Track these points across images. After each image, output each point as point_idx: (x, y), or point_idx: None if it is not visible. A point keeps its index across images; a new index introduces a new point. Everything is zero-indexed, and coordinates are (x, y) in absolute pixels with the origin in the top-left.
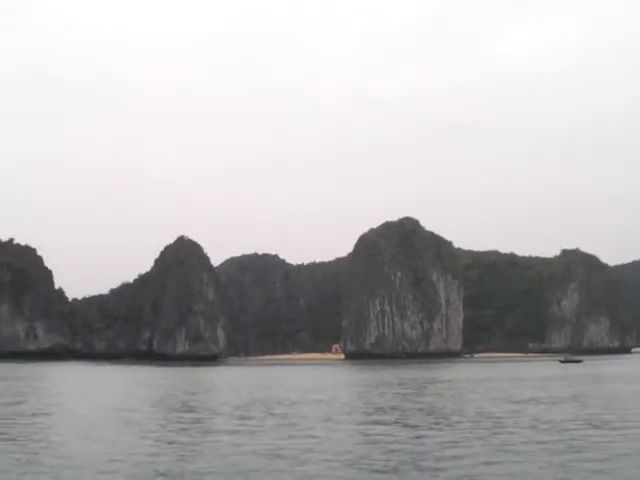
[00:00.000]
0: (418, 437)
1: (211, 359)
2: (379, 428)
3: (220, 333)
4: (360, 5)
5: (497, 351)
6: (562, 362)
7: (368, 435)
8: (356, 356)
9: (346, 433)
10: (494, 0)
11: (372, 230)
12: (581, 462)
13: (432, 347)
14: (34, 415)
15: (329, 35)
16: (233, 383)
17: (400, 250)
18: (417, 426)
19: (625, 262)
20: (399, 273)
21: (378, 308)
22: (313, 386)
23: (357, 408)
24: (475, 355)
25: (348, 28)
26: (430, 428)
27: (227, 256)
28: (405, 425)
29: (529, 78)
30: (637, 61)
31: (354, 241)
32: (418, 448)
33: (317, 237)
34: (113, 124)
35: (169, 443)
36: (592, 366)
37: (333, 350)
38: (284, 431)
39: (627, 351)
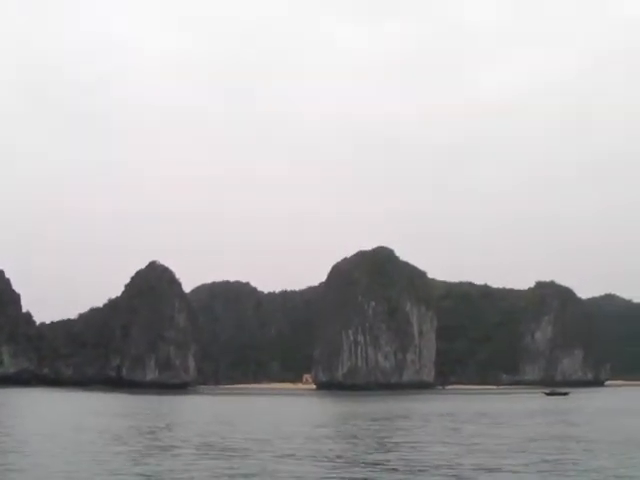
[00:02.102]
0: None
1: (181, 387)
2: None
3: (191, 361)
4: (348, 33)
5: (470, 383)
6: (547, 394)
7: None
8: (328, 386)
9: None
10: (479, 29)
11: (346, 259)
12: None
13: (405, 378)
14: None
15: (314, 64)
16: (214, 414)
17: (374, 279)
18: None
19: (597, 295)
20: (373, 303)
21: (351, 338)
22: (306, 419)
23: (382, 445)
24: (447, 387)
25: (335, 56)
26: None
27: (198, 283)
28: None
29: (513, 106)
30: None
31: (326, 270)
32: None
33: (288, 265)
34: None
35: None
36: (581, 399)
37: (304, 380)
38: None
39: (601, 384)
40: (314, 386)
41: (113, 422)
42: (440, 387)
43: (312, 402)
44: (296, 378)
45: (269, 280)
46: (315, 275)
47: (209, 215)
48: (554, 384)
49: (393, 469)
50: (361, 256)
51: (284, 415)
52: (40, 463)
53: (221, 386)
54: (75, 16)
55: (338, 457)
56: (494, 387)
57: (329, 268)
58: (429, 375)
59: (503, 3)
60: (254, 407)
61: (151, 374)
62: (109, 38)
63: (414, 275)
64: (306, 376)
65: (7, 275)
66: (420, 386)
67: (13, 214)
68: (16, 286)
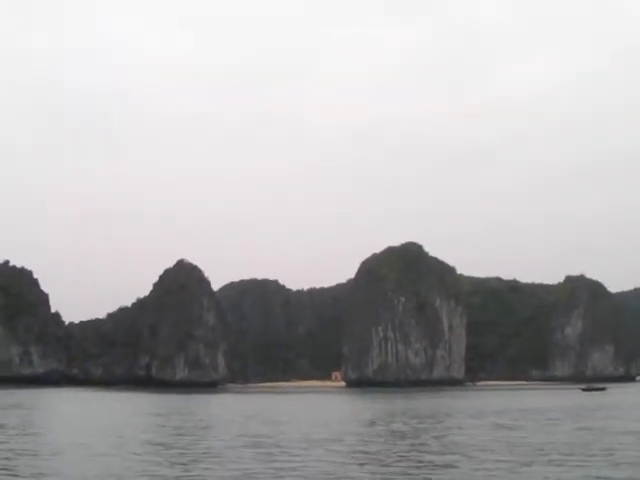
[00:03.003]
0: None
1: (210, 386)
2: None
3: (220, 359)
4: (363, 35)
5: (500, 379)
6: (584, 390)
7: None
8: (357, 383)
9: None
10: (498, 31)
11: (375, 255)
12: None
13: (435, 375)
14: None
15: (333, 63)
16: (252, 412)
17: (403, 275)
18: None
19: (627, 289)
20: (402, 299)
21: (381, 334)
22: (349, 416)
23: (443, 446)
24: (477, 383)
25: (351, 57)
26: None
27: (226, 281)
28: None
29: (532, 108)
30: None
31: (353, 266)
32: None
33: (317, 262)
34: (112, 144)
35: None
36: (619, 394)
37: (333, 377)
38: None
39: (631, 379)
40: (343, 383)
41: (152, 422)
42: (470, 383)
43: (346, 399)
44: (325, 375)
45: (297, 277)
46: (343, 272)
47: (233, 214)
48: (585, 379)
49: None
50: (390, 252)
51: (323, 412)
52: (82, 467)
53: (250, 384)
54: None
55: (404, 458)
56: (524, 383)
57: (357, 265)
58: (459, 371)
59: (518, 3)
60: (289, 405)
61: (180, 373)
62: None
63: (443, 271)
64: (335, 373)
65: (35, 275)
66: (450, 382)
67: (39, 216)
68: (44, 286)
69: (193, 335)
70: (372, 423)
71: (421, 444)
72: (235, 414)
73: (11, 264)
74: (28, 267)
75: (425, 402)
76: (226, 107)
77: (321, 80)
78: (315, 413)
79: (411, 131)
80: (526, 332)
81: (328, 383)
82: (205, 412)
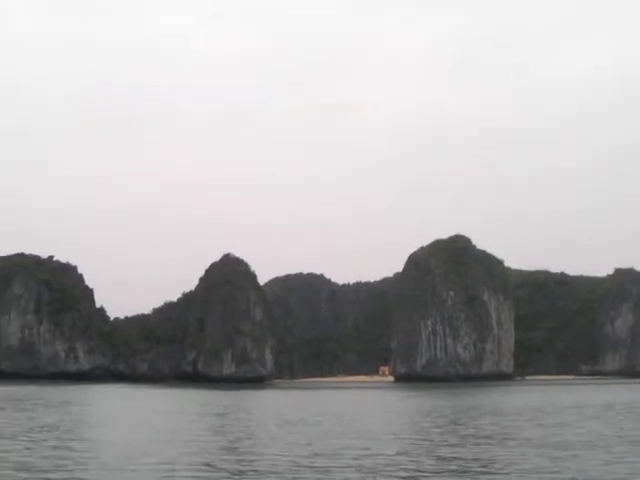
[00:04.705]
0: None
1: (258, 381)
2: None
3: (268, 354)
4: (406, 25)
5: (549, 373)
6: None
7: None
8: (406, 378)
9: None
10: (543, 20)
11: (422, 248)
12: None
13: (484, 369)
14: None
15: (376, 55)
16: (318, 409)
17: (451, 269)
18: None
19: None
20: (451, 293)
21: (430, 328)
22: (426, 414)
23: (564, 447)
24: (526, 378)
25: (395, 48)
26: None
27: (271, 276)
28: None
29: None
30: None
31: (399, 260)
32: None
33: (363, 256)
34: (145, 141)
35: None
36: None
37: (381, 372)
38: None
39: None
40: (391, 378)
41: (226, 422)
42: (519, 378)
43: (405, 395)
44: (371, 370)
45: (343, 271)
46: (389, 266)
47: (281, 205)
48: (635, 374)
49: None
50: (438, 245)
51: (392, 409)
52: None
53: (297, 379)
54: (125, 15)
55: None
56: (574, 377)
57: (403, 259)
58: (508, 366)
59: None
60: (349, 400)
61: (228, 368)
62: (157, 37)
63: (491, 263)
64: (382, 368)
65: (80, 271)
66: (499, 377)
67: (86, 210)
68: (89, 281)
69: (240, 330)
70: (454, 421)
71: (533, 446)
72: (300, 410)
73: (55, 259)
74: (73, 262)
75: (488, 398)
76: (272, 100)
77: (369, 71)
78: (383, 410)
79: (456, 122)
80: (575, 326)
81: (376, 378)
82: (267, 409)
